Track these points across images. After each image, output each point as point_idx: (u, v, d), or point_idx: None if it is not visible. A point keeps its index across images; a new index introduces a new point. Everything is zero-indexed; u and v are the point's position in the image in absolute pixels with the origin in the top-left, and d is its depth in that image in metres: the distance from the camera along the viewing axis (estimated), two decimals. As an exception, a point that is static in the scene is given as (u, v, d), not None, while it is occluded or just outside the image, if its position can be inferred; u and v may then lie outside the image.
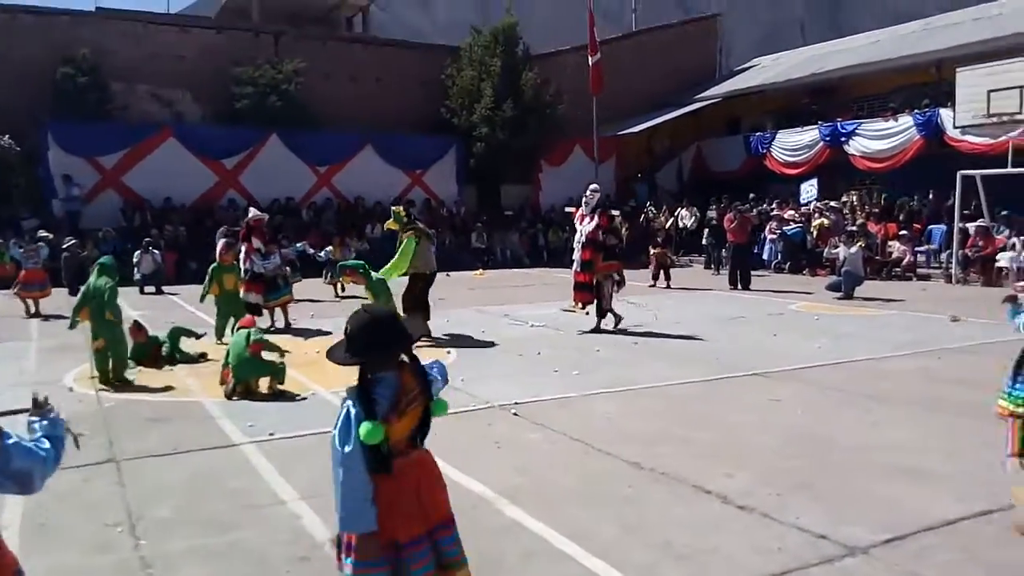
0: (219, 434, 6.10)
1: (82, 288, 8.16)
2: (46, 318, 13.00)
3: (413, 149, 24.70)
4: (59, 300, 14.46)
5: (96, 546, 4.10)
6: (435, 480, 2.86)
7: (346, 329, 2.77)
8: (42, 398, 2.52)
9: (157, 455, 5.57)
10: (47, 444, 2.42)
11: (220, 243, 10.67)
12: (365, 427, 2.58)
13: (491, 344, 9.88)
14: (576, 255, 10.64)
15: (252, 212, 12.21)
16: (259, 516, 4.45)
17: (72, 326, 8.14)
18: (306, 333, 10.92)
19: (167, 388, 7.70)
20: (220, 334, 9.87)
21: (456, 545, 2.84)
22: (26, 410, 2.50)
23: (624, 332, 10.55)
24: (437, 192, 24.82)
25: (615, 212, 10.98)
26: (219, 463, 5.41)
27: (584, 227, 10.57)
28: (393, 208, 10.67)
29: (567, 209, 11.22)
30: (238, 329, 7.79)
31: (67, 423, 2.57)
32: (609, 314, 10.61)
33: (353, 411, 2.65)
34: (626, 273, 11.07)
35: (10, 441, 2.29)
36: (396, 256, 9.94)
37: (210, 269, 10.17)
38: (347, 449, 2.63)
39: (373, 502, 2.66)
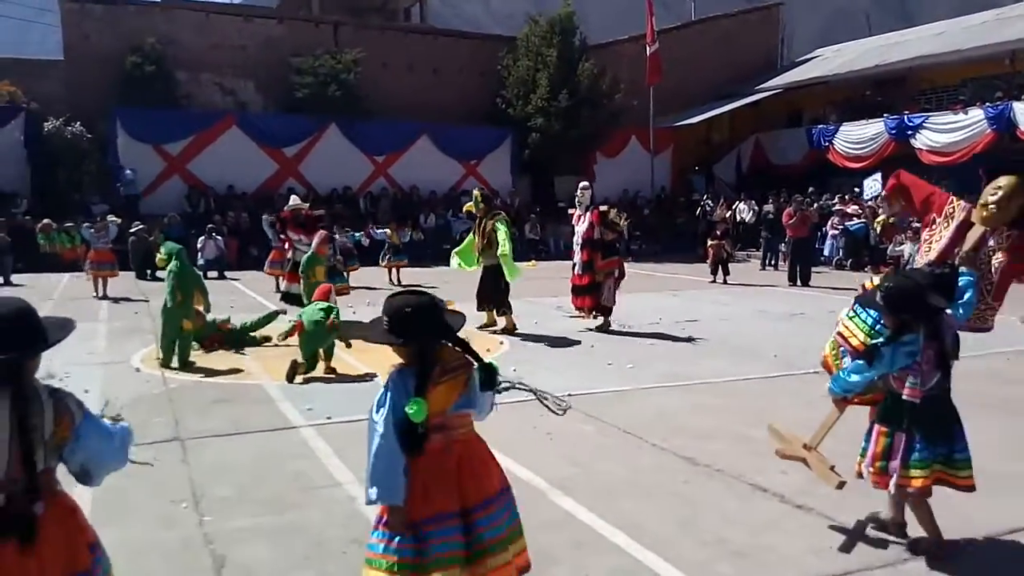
0: (279, 416, 6.25)
1: (176, 273, 8.23)
2: (115, 300, 13.44)
3: (468, 139, 24.79)
4: (127, 283, 14.97)
5: (162, 521, 4.24)
6: (480, 461, 2.87)
7: (388, 310, 2.82)
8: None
9: (220, 435, 5.74)
10: (115, 438, 2.53)
11: (318, 235, 10.56)
12: (412, 404, 2.64)
13: (543, 335, 9.87)
14: (576, 258, 10.25)
15: (292, 200, 12.25)
16: (317, 497, 4.55)
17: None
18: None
19: (229, 370, 7.91)
20: None
21: (492, 528, 2.81)
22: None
23: (671, 338, 10.43)
24: (491, 183, 24.81)
25: (603, 208, 10.50)
26: (279, 444, 5.55)
27: (579, 227, 10.24)
28: (474, 192, 10.51)
29: (569, 211, 10.85)
30: (314, 299, 7.99)
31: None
32: (604, 312, 10.23)
33: (392, 387, 2.72)
34: (683, 267, 10.88)
35: (90, 417, 2.41)
36: (501, 247, 9.55)
37: (303, 262, 10.31)
38: (380, 423, 2.69)
39: (404, 475, 2.70)
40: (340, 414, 6.20)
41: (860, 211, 19.86)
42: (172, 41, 22.34)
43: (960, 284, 3.93)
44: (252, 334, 9.21)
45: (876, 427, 3.89)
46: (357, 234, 16.41)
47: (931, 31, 24.75)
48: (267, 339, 9.23)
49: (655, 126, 24.63)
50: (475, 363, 2.83)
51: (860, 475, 3.96)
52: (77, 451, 2.42)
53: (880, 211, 19.22)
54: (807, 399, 6.76)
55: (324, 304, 7.70)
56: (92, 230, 14.69)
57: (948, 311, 3.79)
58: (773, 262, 19.18)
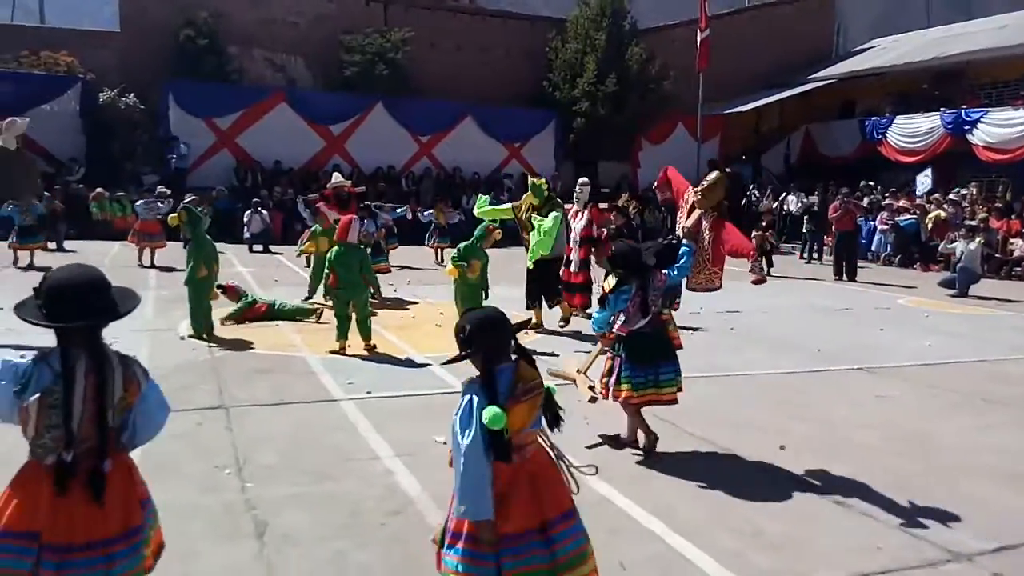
0: (320, 389, 6.35)
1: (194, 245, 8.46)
2: (163, 269, 13.75)
3: (513, 121, 24.69)
4: (176, 253, 15.25)
5: (206, 485, 4.35)
6: (551, 473, 2.83)
7: (462, 323, 2.82)
8: None
9: (263, 404, 5.86)
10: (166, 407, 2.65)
11: (343, 222, 10.51)
12: (489, 412, 2.59)
13: (577, 323, 9.83)
14: (573, 255, 9.82)
15: (334, 178, 12.22)
16: (356, 469, 4.62)
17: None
18: (391, 302, 11.14)
19: (272, 342, 8.04)
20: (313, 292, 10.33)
21: (573, 540, 2.76)
22: None
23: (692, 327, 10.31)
24: (534, 166, 24.71)
25: (603, 205, 10.23)
26: (320, 416, 5.64)
27: (577, 224, 9.88)
28: (534, 180, 9.88)
29: (566, 207, 10.40)
30: (337, 237, 7.93)
31: None
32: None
33: (476, 400, 2.66)
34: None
35: (152, 386, 2.51)
36: (542, 235, 9.12)
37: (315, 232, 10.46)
38: (467, 438, 2.64)
39: (492, 491, 2.65)
40: (380, 389, 6.30)
41: (910, 206, 19.39)
42: (224, 15, 22.58)
43: (680, 252, 5.13)
44: (291, 309, 9.35)
45: (607, 353, 5.04)
46: (399, 209, 16.39)
47: (993, 24, 23.97)
48: (315, 310, 9.41)
49: (703, 113, 24.27)
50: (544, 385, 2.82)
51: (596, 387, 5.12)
52: (136, 416, 2.54)
53: (929, 207, 18.77)
54: (849, 395, 6.68)
55: (351, 244, 7.75)
56: (142, 202, 14.96)
57: (664, 271, 4.97)
58: (817, 255, 18.85)
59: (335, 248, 7.80)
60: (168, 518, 3.57)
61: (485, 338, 2.76)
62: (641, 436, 5.08)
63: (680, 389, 4.97)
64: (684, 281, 5.51)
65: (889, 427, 5.79)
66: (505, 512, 2.68)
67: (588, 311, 9.95)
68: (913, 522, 4.10)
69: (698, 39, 23.12)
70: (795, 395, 6.65)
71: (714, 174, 5.69)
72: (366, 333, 7.67)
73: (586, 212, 9.92)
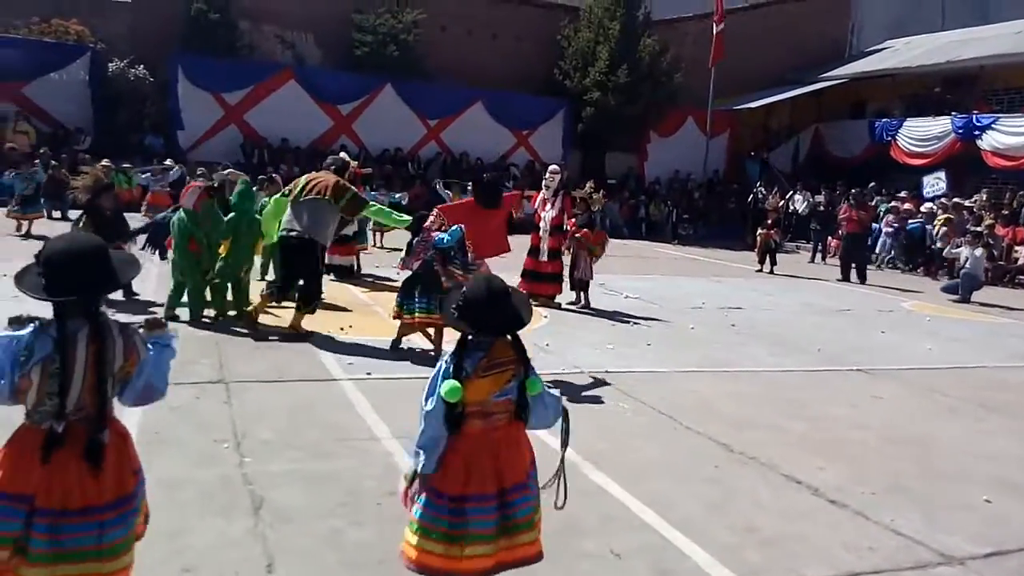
0: (321, 368, 6.36)
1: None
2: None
3: (522, 108, 24.58)
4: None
5: (204, 459, 4.36)
6: (516, 449, 2.98)
7: (464, 294, 2.92)
8: (161, 319, 2.75)
9: (263, 381, 5.87)
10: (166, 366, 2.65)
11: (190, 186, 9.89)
12: (446, 385, 2.77)
13: (584, 312, 9.86)
14: (543, 244, 9.85)
15: (341, 156, 12.14)
16: (354, 449, 4.64)
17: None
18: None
19: (275, 319, 8.03)
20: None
21: (525, 507, 2.95)
22: (139, 325, 2.66)
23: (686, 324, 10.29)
24: (541, 154, 24.68)
25: (575, 193, 10.20)
26: (319, 395, 5.66)
27: (547, 214, 9.90)
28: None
29: (527, 193, 10.15)
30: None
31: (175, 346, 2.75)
32: (583, 288, 10.07)
33: (445, 367, 2.84)
34: (730, 254, 10.65)
35: (151, 353, 2.50)
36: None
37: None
38: (429, 404, 2.84)
39: (442, 455, 2.85)
40: (380, 371, 6.31)
41: (914, 210, 19.32)
42: (236, -11, 22.46)
43: (452, 230, 6.66)
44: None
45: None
46: (396, 195, 16.34)
47: (1008, 29, 23.79)
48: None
49: (713, 108, 24.17)
50: (525, 370, 2.92)
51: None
52: (135, 382, 2.54)
53: (938, 211, 18.70)
54: (849, 396, 6.68)
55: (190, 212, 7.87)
56: (149, 174, 14.95)
57: (436, 234, 6.63)
58: (822, 255, 18.81)
59: (180, 215, 7.92)
60: (164, 490, 3.61)
61: (470, 311, 2.86)
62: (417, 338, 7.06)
63: (431, 316, 6.55)
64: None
65: (887, 429, 5.80)
66: (468, 474, 2.86)
67: (557, 301, 9.95)
68: (907, 524, 4.11)
69: (713, 33, 22.99)
70: (794, 393, 6.66)
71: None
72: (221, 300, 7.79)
73: (558, 200, 9.95)
